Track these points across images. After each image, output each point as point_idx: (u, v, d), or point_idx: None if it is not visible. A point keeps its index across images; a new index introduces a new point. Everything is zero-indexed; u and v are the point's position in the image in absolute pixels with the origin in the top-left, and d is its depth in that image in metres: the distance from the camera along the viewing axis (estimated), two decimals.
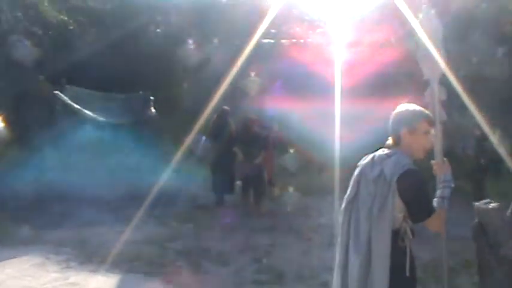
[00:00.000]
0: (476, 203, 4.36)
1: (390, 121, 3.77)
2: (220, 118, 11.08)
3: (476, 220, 4.34)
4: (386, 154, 3.69)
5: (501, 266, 4.20)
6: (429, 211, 3.62)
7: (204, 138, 11.26)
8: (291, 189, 11.31)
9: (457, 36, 13.50)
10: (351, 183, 3.85)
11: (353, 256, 3.69)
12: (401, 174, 3.52)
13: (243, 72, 15.22)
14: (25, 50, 16.35)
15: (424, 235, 4.04)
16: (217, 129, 11.00)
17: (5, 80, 15.21)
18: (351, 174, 3.92)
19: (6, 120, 13.55)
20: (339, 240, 3.88)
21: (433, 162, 4.07)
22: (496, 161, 10.56)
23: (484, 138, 10.54)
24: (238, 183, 11.09)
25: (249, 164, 10.44)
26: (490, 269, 4.28)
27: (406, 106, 3.78)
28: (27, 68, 15.96)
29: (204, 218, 10.08)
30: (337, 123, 9.36)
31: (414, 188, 3.57)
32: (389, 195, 3.54)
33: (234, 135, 10.92)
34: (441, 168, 3.98)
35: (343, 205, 3.86)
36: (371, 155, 3.81)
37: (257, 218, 10.22)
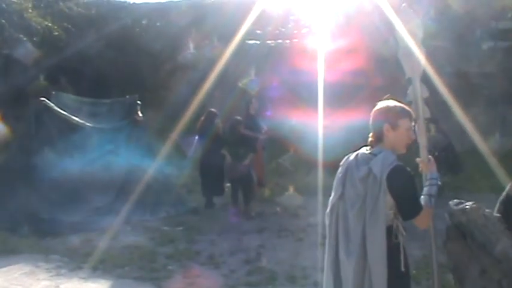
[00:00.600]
0: (449, 205, 4.33)
1: (371, 118, 3.80)
2: (207, 120, 11.08)
3: (450, 223, 4.30)
4: (371, 153, 3.73)
5: (499, 264, 4.16)
6: (418, 208, 3.67)
7: (196, 139, 11.25)
8: (290, 189, 11.40)
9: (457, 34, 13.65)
10: (335, 184, 3.88)
11: (345, 257, 3.72)
12: (390, 171, 3.56)
13: (235, 74, 15.31)
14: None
15: (415, 232, 4.06)
16: (204, 131, 11.00)
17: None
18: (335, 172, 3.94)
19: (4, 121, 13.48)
20: (327, 243, 3.90)
21: (418, 160, 4.08)
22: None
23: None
24: (228, 185, 11.08)
25: (238, 166, 10.44)
26: (475, 271, 4.23)
27: (387, 103, 3.80)
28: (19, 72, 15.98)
29: (195, 221, 10.06)
30: (320, 123, 9.38)
31: (404, 184, 3.61)
32: (380, 193, 3.57)
33: (221, 136, 10.92)
34: (427, 166, 4.00)
35: (329, 208, 3.88)
36: (353, 154, 3.85)
37: (247, 219, 10.22)
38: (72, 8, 19.76)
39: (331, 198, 3.88)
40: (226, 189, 11.12)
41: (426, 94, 4.14)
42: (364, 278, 3.63)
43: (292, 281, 7.10)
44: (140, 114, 11.41)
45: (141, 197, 9.98)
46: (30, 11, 18.59)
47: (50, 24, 18.52)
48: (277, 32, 18.39)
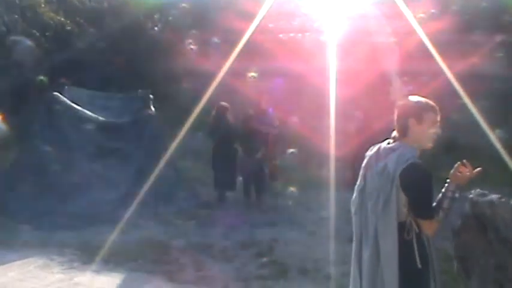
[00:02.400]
0: (470, 195, 4.27)
1: (396, 112, 3.75)
2: (218, 114, 11.07)
3: (471, 213, 4.24)
4: (390, 147, 3.68)
5: None
6: (429, 213, 3.61)
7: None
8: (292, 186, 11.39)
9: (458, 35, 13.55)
10: (360, 174, 3.85)
11: (364, 248, 3.72)
12: (405, 168, 3.51)
13: (243, 69, 15.27)
14: (25, 51, 16.44)
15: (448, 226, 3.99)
16: (215, 125, 10.99)
17: (5, 81, 15.26)
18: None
19: (6, 120, 13.55)
20: (353, 231, 3.88)
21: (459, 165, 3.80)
22: None
23: None
24: (240, 179, 11.08)
25: (250, 160, 10.45)
26: (489, 264, 4.17)
27: (411, 98, 3.77)
28: (27, 68, 16.05)
29: (207, 215, 10.08)
30: (332, 118, 9.35)
31: (417, 183, 3.55)
32: (392, 189, 3.52)
33: (233, 131, 10.90)
34: (457, 176, 3.76)
35: (354, 195, 3.86)
36: (377, 146, 3.81)
37: (259, 213, 10.22)
38: (84, 2, 19.81)
39: (356, 186, 3.87)
40: (239, 183, 11.12)
41: (405, 91, 4.09)
42: (376, 274, 3.61)
43: (304, 274, 7.10)
44: (153, 109, 11.43)
45: (153, 190, 10.01)
46: (42, 6, 18.68)
47: (62, 19, 18.58)
48: (289, 25, 18.36)
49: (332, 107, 10.03)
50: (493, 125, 10.98)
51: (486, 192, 4.24)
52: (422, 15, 13.52)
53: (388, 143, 3.74)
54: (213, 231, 9.05)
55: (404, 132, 3.67)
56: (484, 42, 13.98)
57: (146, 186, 9.66)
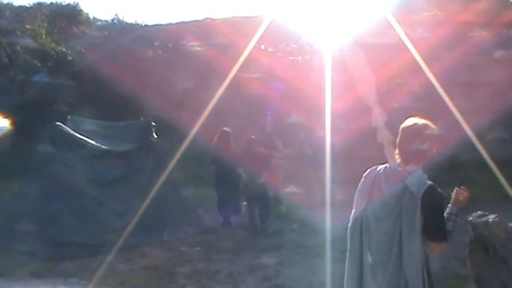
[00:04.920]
0: (470, 218, 4.32)
1: (407, 136, 3.79)
2: (221, 139, 11.13)
3: (473, 236, 4.29)
4: (405, 170, 3.72)
5: None
6: (444, 236, 3.67)
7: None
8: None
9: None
10: (358, 196, 3.89)
11: (370, 272, 3.74)
12: (427, 189, 3.59)
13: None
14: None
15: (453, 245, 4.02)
16: (219, 150, 11.04)
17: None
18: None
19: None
20: (348, 256, 3.91)
21: (458, 190, 3.96)
22: None
23: None
24: (244, 203, 11.10)
25: (253, 184, 10.47)
26: (497, 284, 4.21)
27: (423, 122, 3.81)
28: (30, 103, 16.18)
29: (212, 240, 10.08)
30: (327, 138, 9.36)
31: (438, 204, 3.63)
32: (417, 210, 3.57)
33: (236, 155, 10.94)
34: (463, 201, 3.91)
35: (352, 221, 3.88)
36: (379, 168, 3.86)
37: (264, 237, 10.22)
38: (85, 31, 20.00)
39: (353, 211, 3.89)
40: (243, 208, 11.13)
41: (386, 118, 4.16)
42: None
43: None
44: (155, 136, 11.49)
45: (158, 217, 10.03)
46: (44, 36, 18.85)
47: (63, 49, 18.74)
48: (288, 48, 18.50)
49: (328, 129, 10.04)
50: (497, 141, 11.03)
51: (485, 213, 4.28)
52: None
53: (397, 166, 3.78)
54: (218, 257, 9.03)
55: (416, 156, 3.74)
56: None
57: (150, 214, 9.67)
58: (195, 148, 11.40)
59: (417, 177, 3.63)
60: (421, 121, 3.81)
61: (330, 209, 9.13)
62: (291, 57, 17.99)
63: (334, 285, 6.99)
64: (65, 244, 9.27)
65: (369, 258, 3.77)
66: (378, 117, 3.86)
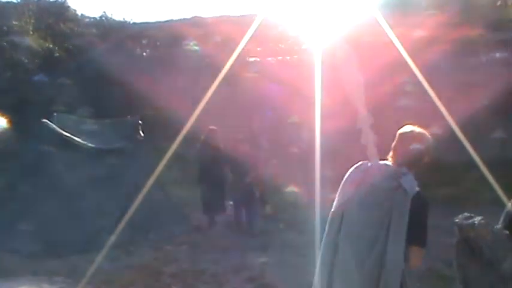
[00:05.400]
0: (456, 219, 4.35)
1: (405, 140, 3.98)
2: (207, 138, 11.09)
3: (460, 237, 4.31)
4: (400, 171, 3.86)
5: (506, 283, 4.16)
6: (425, 241, 3.79)
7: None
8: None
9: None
10: (345, 186, 4.00)
11: (350, 262, 3.80)
12: (416, 194, 3.74)
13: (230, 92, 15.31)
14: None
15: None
16: (205, 149, 11.00)
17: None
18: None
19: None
20: (325, 241, 4.04)
21: None
22: None
23: None
24: (230, 203, 11.07)
25: (240, 183, 10.45)
26: (485, 286, 4.22)
27: (423, 131, 4.01)
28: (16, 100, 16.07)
29: (198, 240, 10.05)
30: (317, 136, 9.33)
31: (423, 210, 3.78)
32: (407, 206, 3.70)
33: (221, 154, 10.90)
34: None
35: (334, 207, 4.00)
36: (373, 163, 3.97)
37: (251, 237, 10.20)
38: (73, 28, 19.88)
39: (336, 199, 4.01)
40: (229, 207, 11.11)
41: (371, 121, 4.31)
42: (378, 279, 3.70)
43: None
44: (142, 134, 11.45)
45: (143, 216, 9.98)
46: (31, 33, 18.72)
47: (51, 46, 18.62)
48: (277, 48, 18.49)
49: (318, 132, 10.02)
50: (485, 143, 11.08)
51: (472, 215, 4.31)
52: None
53: (391, 166, 3.93)
54: (204, 257, 9.01)
55: (411, 160, 3.93)
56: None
57: (136, 212, 9.62)
58: (183, 147, 11.32)
59: (410, 180, 3.79)
60: (418, 129, 4.00)
61: (319, 209, 9.11)
62: (280, 57, 17.97)
63: None
64: (50, 242, 9.22)
65: (345, 248, 3.86)
66: (364, 120, 3.94)
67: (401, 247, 3.69)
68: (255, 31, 13.16)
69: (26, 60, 17.77)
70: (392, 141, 4.04)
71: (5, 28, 18.35)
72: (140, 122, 11.48)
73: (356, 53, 4.30)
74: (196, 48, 18.36)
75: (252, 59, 17.51)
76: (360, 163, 4.05)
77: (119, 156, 10.92)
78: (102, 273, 8.01)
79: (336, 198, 4.03)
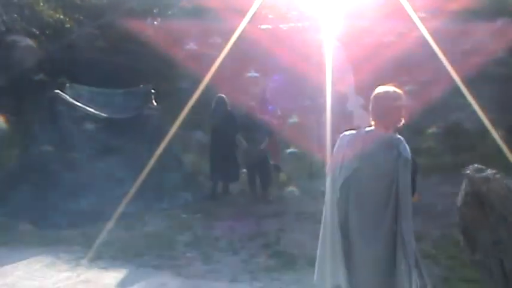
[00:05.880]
0: (467, 171, 4.29)
1: (386, 101, 4.08)
2: (218, 105, 11.00)
3: (470, 189, 4.25)
4: (395, 138, 4.03)
5: None
6: (415, 190, 4.62)
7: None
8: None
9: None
10: (349, 156, 4.10)
11: (369, 232, 4.02)
12: (411, 156, 4.04)
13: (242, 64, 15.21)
14: (25, 49, 16.41)
15: (433, 211, 4.10)
16: (217, 116, 10.92)
17: (5, 80, 15.24)
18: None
19: (8, 120, 13.56)
20: (329, 215, 4.23)
21: None
22: None
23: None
24: (244, 170, 11.04)
25: (254, 151, 10.40)
26: (488, 238, 4.18)
27: (396, 89, 4.12)
28: (27, 67, 16.02)
29: (212, 207, 10.06)
30: (328, 110, 9.26)
31: (415, 171, 4.48)
32: (409, 179, 3.97)
33: (234, 121, 10.81)
34: None
35: (341, 180, 4.12)
36: (368, 132, 4.11)
37: (265, 204, 10.19)
38: None
39: (340, 170, 4.13)
40: (243, 175, 11.08)
41: (361, 102, 4.44)
42: (395, 235, 3.93)
43: (312, 264, 6.95)
44: (155, 103, 11.40)
45: (158, 185, 10.00)
46: (41, 4, 18.59)
47: (61, 17, 18.50)
48: (289, 15, 18.28)
49: (328, 100, 9.96)
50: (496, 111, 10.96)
51: (483, 167, 4.24)
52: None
53: (386, 134, 4.07)
54: (219, 224, 9.02)
55: (396, 121, 4.08)
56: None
57: (150, 181, 9.64)
58: (195, 114, 11.31)
59: (405, 146, 3.97)
60: (392, 88, 4.11)
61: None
62: (292, 24, 17.78)
63: None
64: (63, 213, 9.27)
65: (359, 216, 4.06)
66: (354, 102, 4.18)
67: (411, 224, 3.91)
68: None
69: (37, 32, 17.68)
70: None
71: (15, 0, 18.24)
72: (153, 90, 11.43)
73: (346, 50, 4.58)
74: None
75: (264, 27, 17.29)
76: (352, 131, 4.18)
77: (132, 125, 10.89)
78: (117, 241, 8.06)
79: (335, 161, 4.18)
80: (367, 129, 4.12)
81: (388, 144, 3.99)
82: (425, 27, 10.41)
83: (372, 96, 4.11)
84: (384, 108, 4.05)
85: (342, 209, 4.12)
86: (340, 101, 9.33)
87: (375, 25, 15.11)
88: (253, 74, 15.57)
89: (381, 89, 4.10)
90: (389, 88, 4.10)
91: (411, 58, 13.52)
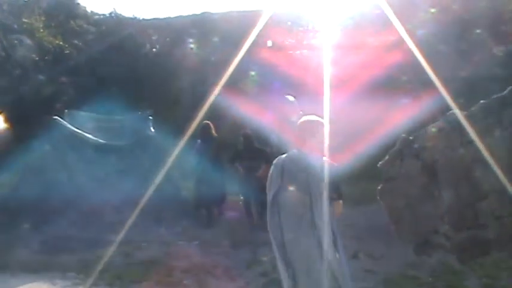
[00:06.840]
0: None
1: (309, 131, 5.10)
2: (204, 131, 11.04)
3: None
4: (305, 153, 5.07)
5: None
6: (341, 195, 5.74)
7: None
8: None
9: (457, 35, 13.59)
10: (274, 179, 5.17)
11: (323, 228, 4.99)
12: (333, 166, 5.18)
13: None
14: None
15: None
16: (202, 143, 10.98)
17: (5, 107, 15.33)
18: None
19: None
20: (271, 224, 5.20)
21: None
22: None
23: None
24: (241, 197, 11.05)
25: (250, 178, 10.42)
26: None
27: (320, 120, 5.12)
28: (26, 92, 16.12)
29: (210, 235, 10.05)
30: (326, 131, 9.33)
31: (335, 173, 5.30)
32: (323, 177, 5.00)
33: (219, 148, 10.91)
34: None
35: (271, 200, 5.15)
36: (285, 156, 5.19)
37: (262, 231, 10.16)
38: (82, 25, 19.91)
39: (271, 192, 5.12)
40: (240, 202, 11.08)
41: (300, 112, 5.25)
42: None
43: None
44: (153, 130, 11.46)
45: (155, 212, 10.01)
46: (41, 30, 18.77)
47: (61, 43, 18.67)
48: (287, 42, 18.44)
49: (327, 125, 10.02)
50: None
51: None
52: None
53: (295, 153, 5.14)
54: (216, 251, 9.01)
55: (317, 146, 5.02)
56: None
57: (147, 208, 9.64)
58: (193, 142, 11.33)
59: (316, 157, 4.96)
60: (316, 118, 5.10)
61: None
62: (290, 52, 17.94)
63: None
64: (62, 238, 9.26)
65: (288, 227, 5.10)
66: (296, 113, 5.10)
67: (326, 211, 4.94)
68: (263, 26, 13.14)
69: (37, 58, 17.81)
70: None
71: (15, 26, 18.40)
72: (151, 117, 11.49)
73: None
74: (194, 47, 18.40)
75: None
76: (276, 160, 5.25)
77: (130, 151, 10.94)
78: (114, 268, 8.04)
79: (269, 189, 5.15)
80: (292, 151, 5.18)
81: (301, 159, 5.04)
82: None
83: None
84: (305, 134, 5.05)
85: (275, 223, 5.30)
86: None
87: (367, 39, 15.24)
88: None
89: (306, 118, 5.13)
90: (313, 117, 5.08)
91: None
